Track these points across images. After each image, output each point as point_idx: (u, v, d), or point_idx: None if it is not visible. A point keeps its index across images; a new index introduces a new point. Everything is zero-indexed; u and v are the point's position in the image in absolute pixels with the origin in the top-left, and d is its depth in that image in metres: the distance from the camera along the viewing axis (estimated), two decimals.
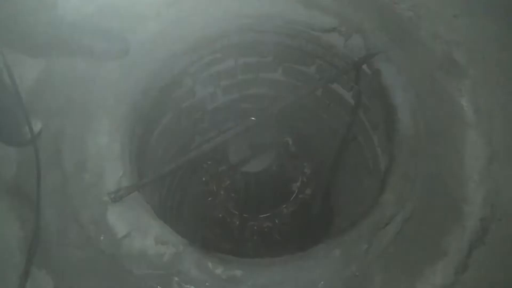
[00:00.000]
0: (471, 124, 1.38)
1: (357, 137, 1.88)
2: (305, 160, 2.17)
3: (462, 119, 1.39)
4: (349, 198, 2.10)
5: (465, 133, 1.37)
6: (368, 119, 1.72)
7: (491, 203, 1.25)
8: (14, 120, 1.26)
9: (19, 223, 1.20)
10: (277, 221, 2.00)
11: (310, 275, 1.13)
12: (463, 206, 1.25)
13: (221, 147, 2.04)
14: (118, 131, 1.35)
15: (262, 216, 1.97)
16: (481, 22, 1.56)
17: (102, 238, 1.17)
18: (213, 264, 1.13)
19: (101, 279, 1.14)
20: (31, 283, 1.12)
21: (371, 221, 1.21)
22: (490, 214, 1.23)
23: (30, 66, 1.46)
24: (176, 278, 1.12)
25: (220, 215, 2.07)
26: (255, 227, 2.03)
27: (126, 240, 1.16)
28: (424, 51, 1.53)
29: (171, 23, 1.58)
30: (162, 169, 1.32)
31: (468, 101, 1.42)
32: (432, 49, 1.53)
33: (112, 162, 1.28)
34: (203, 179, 2.16)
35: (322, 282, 1.12)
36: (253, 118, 1.35)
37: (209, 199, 2.09)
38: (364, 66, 1.54)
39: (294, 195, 2.00)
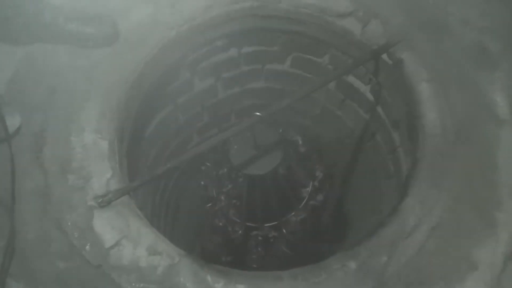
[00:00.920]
0: (506, 121, 1.37)
1: (376, 136, 1.88)
2: (317, 162, 2.16)
3: (496, 115, 1.38)
4: (366, 204, 2.10)
5: (498, 131, 1.35)
6: (388, 115, 1.72)
7: None
8: None
9: None
10: (284, 231, 1.99)
11: None
12: (496, 215, 1.24)
13: (221, 146, 2.05)
14: (106, 127, 1.35)
15: (267, 225, 1.96)
16: None
17: (87, 247, 1.16)
18: (212, 278, 1.12)
19: None
20: None
21: (392, 230, 1.20)
22: None
23: (7, 54, 1.46)
24: None
25: (221, 223, 2.06)
26: (260, 237, 2.02)
27: (115, 250, 1.16)
28: (452, 39, 1.52)
29: (166, 7, 1.58)
30: (155, 171, 1.32)
31: (502, 95, 1.41)
32: (461, 36, 1.53)
33: (100, 162, 1.28)
34: (202, 182, 2.15)
35: None
36: (258, 114, 1.34)
37: (208, 205, 2.08)
38: (384, 56, 1.54)
39: (303, 202, 1.99)
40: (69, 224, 1.20)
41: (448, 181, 1.27)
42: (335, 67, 1.84)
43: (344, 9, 1.58)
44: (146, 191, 1.80)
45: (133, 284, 1.12)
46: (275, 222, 1.96)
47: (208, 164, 2.12)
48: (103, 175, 1.26)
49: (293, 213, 1.98)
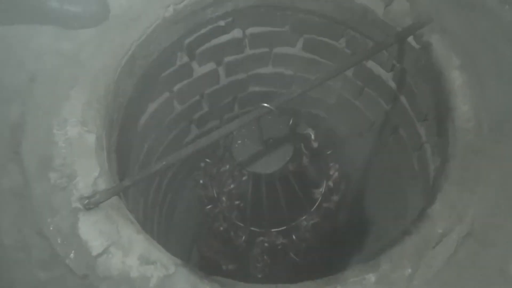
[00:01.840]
0: None
1: (399, 130, 1.87)
2: (331, 159, 2.15)
3: None
4: (387, 208, 2.09)
5: None
6: (414, 107, 1.71)
7: None
8: None
9: None
10: (294, 237, 1.99)
11: None
12: None
13: (223, 141, 2.05)
14: (93, 119, 1.35)
15: (275, 230, 1.96)
16: None
17: (71, 255, 1.16)
18: None
19: None
20: None
21: (417, 239, 1.20)
22: None
23: None
24: None
25: (222, 228, 2.06)
26: (266, 244, 2.02)
27: (103, 258, 1.16)
28: (489, 20, 1.50)
29: None
30: (148, 169, 1.31)
31: None
32: (499, 17, 1.51)
33: (86, 159, 1.28)
34: (201, 181, 2.15)
35: None
36: (265, 105, 1.33)
37: (208, 207, 2.08)
38: (410, 39, 1.53)
39: (316, 204, 1.98)
40: (51, 228, 1.20)
41: (482, 184, 1.26)
42: (353, 51, 1.84)
43: None
44: (138, 191, 1.81)
45: None
46: (284, 227, 1.96)
47: (208, 160, 2.11)
48: (89, 174, 1.26)
49: (304, 217, 1.98)
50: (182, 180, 2.34)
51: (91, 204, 1.20)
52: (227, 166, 2.05)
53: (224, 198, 2.08)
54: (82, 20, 1.47)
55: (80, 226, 1.19)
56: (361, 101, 2.04)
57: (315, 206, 1.98)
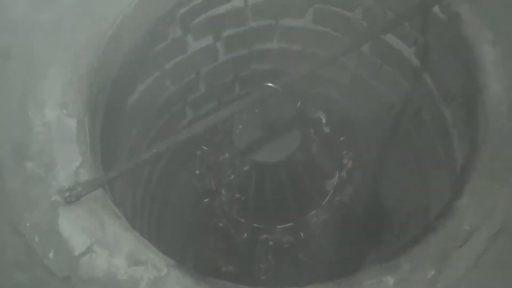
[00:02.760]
0: None
1: (421, 114, 1.87)
2: (345, 146, 2.15)
3: None
4: (408, 202, 2.09)
5: None
6: (439, 87, 1.71)
7: None
8: None
9: None
10: (302, 234, 2.00)
11: None
12: None
13: (222, 126, 2.05)
14: (74, 101, 1.34)
15: (280, 226, 1.97)
16: None
17: (51, 254, 1.16)
18: None
19: None
20: None
21: (441, 237, 1.19)
22: None
23: None
24: None
25: (221, 224, 2.07)
26: (271, 242, 2.03)
27: (86, 258, 1.16)
28: None
29: None
30: (137, 157, 1.31)
31: None
32: None
33: (66, 146, 1.28)
34: (196, 172, 2.16)
35: None
36: (269, 85, 1.32)
37: (205, 200, 2.09)
38: (436, 9, 1.52)
39: (327, 197, 1.99)
40: (27, 225, 1.20)
41: None
42: (371, 24, 1.82)
43: None
44: (125, 183, 1.81)
45: None
46: (291, 223, 1.96)
47: (204, 148, 2.12)
48: (70, 163, 1.25)
49: (313, 212, 1.99)
50: (175, 171, 2.34)
51: (73, 197, 1.20)
52: (227, 155, 2.05)
53: (223, 191, 2.08)
54: None
55: (60, 222, 1.19)
56: (379, 80, 2.03)
57: (326, 200, 1.99)
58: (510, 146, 1.29)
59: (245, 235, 2.01)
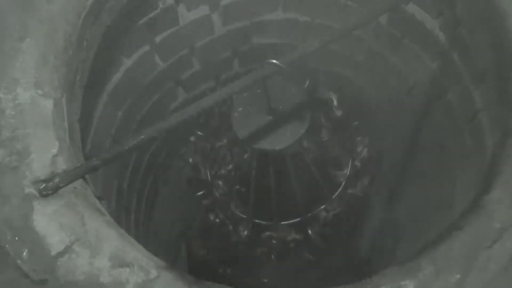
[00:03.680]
0: None
1: (447, 96, 1.86)
2: (359, 132, 2.15)
3: None
4: (429, 196, 2.09)
5: None
6: (468, 64, 1.70)
7: None
8: None
9: None
10: (310, 232, 2.00)
11: None
12: None
13: (220, 108, 2.04)
14: (50, 79, 1.34)
15: (285, 222, 1.97)
16: None
17: (25, 254, 1.16)
18: None
19: None
20: None
21: (468, 235, 1.19)
22: None
23: None
24: None
25: (217, 220, 2.08)
26: (274, 241, 2.03)
27: (65, 259, 1.16)
28: None
29: None
30: (123, 144, 1.30)
31: None
32: None
33: (41, 131, 1.27)
34: (190, 160, 2.16)
35: None
36: (273, 62, 1.31)
37: (200, 193, 2.09)
38: None
39: (339, 190, 1.99)
40: None
41: None
42: None
43: None
44: (109, 173, 1.81)
45: None
46: (297, 219, 1.97)
47: (199, 133, 2.11)
48: (46, 150, 1.25)
49: (323, 207, 1.99)
50: (166, 159, 2.34)
51: (49, 189, 1.19)
52: (224, 141, 2.05)
53: (220, 182, 2.09)
54: None
55: (35, 217, 1.19)
56: (399, 56, 2.02)
57: (337, 193, 1.99)
58: None
59: (245, 232, 2.01)
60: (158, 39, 1.90)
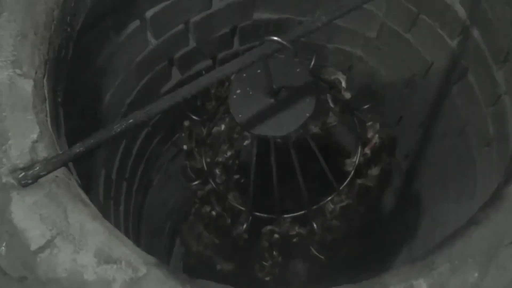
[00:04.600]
0: None
1: (467, 76, 1.86)
2: (370, 116, 2.14)
3: None
4: (447, 187, 2.09)
5: None
6: (490, 42, 1.70)
7: None
8: None
9: None
10: (315, 225, 2.00)
11: None
12: None
13: (217, 90, 2.03)
14: (30, 57, 1.34)
15: (288, 215, 1.97)
16: None
17: (2, 249, 1.17)
18: None
19: None
20: None
21: (488, 231, 1.19)
22: None
23: None
24: None
25: (214, 213, 2.08)
26: (276, 235, 2.04)
27: (46, 254, 1.16)
28: None
29: None
30: (110, 128, 1.30)
31: None
32: None
33: (20, 115, 1.27)
34: (185, 147, 2.16)
35: None
36: (274, 39, 1.31)
37: (195, 183, 2.09)
38: None
39: (347, 180, 1.99)
40: None
41: None
42: None
43: None
44: (96, 161, 1.81)
45: None
46: (301, 212, 1.96)
47: (194, 117, 2.11)
48: (25, 135, 1.25)
49: (330, 198, 1.98)
50: (159, 146, 2.34)
51: (29, 178, 1.19)
52: (222, 126, 2.05)
53: (217, 171, 2.08)
54: None
55: (13, 209, 1.19)
56: (414, 33, 2.02)
57: (345, 183, 1.99)
58: None
59: (245, 226, 2.01)
60: (149, 13, 1.89)
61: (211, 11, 2.07)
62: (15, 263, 1.16)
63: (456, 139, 2.01)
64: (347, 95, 2.08)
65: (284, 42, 1.30)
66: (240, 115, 1.65)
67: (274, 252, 2.08)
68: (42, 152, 1.24)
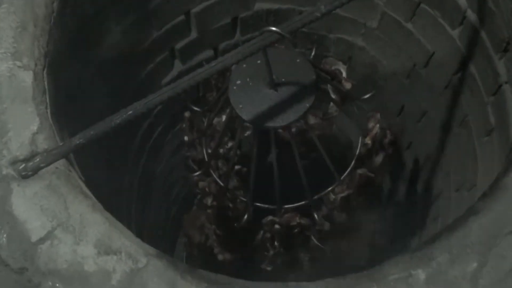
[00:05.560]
0: None
1: (468, 67, 1.85)
2: (370, 106, 2.14)
3: None
4: (448, 177, 2.09)
5: None
6: (491, 32, 1.70)
7: None
8: None
9: None
10: (316, 216, 2.01)
11: None
12: None
13: (217, 80, 2.03)
14: (30, 49, 1.34)
15: (289, 206, 1.97)
16: None
17: (3, 241, 1.17)
18: None
19: None
20: None
21: (487, 220, 1.19)
22: None
23: None
24: None
25: (215, 203, 2.08)
26: (277, 225, 2.04)
27: (46, 245, 1.16)
28: None
29: None
30: (111, 120, 1.30)
31: None
32: None
33: (20, 107, 1.27)
34: (186, 138, 2.16)
35: None
36: (274, 29, 1.31)
37: (196, 174, 2.09)
38: None
39: (348, 170, 1.99)
40: None
41: None
42: None
43: None
44: (95, 152, 1.81)
45: None
46: (302, 202, 1.97)
47: (195, 108, 2.11)
48: (25, 127, 1.25)
49: (330, 188, 1.98)
50: (160, 137, 2.34)
51: (29, 170, 1.20)
52: (223, 117, 2.05)
53: (218, 162, 2.08)
54: None
55: (13, 201, 1.19)
56: (415, 23, 2.02)
57: (346, 173, 1.99)
58: None
59: (246, 216, 2.01)
60: (151, 4, 1.88)
61: (212, 1, 2.07)
62: (15, 255, 1.17)
63: (457, 129, 2.00)
64: (348, 85, 2.07)
65: (283, 33, 1.29)
66: (240, 106, 1.65)
67: (276, 243, 2.08)
68: (42, 144, 1.25)
